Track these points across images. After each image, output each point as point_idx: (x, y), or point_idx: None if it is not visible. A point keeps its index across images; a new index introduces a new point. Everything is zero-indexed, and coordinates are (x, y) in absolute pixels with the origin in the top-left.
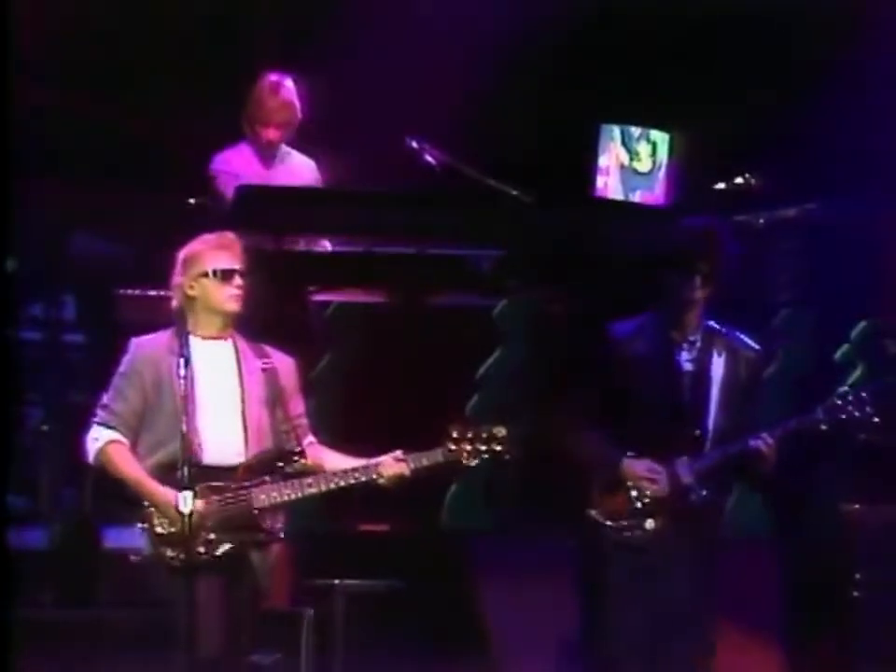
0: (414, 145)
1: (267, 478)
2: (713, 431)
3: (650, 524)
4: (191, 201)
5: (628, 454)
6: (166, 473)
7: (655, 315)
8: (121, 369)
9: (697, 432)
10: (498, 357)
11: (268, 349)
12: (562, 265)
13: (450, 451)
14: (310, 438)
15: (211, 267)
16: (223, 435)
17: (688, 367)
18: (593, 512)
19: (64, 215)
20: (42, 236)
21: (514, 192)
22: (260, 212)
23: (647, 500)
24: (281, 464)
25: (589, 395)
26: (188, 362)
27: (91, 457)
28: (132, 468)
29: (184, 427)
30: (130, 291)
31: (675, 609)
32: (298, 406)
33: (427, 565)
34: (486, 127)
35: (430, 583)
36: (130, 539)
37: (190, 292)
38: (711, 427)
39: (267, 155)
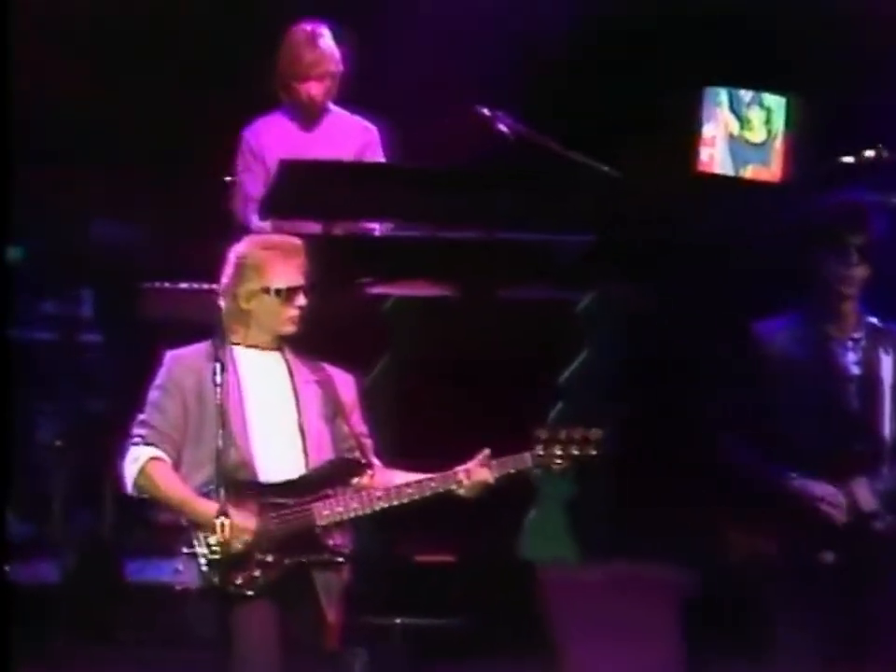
0: (485, 112)
1: (330, 491)
2: (891, 445)
3: (828, 556)
4: (227, 179)
5: (791, 474)
6: (215, 491)
7: (806, 308)
8: (157, 381)
9: (872, 447)
10: (585, 360)
11: (323, 364)
12: (660, 252)
13: (539, 455)
14: (374, 460)
15: (275, 284)
16: (279, 448)
17: (854, 370)
18: (741, 541)
19: (80, 199)
20: (56, 223)
21: (603, 168)
22: (305, 191)
23: (824, 528)
24: (346, 476)
25: (723, 406)
26: (223, 367)
27: (129, 484)
28: (175, 485)
29: (220, 441)
30: (156, 284)
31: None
32: (360, 423)
33: (499, 599)
34: (568, 94)
35: (502, 621)
36: (157, 570)
37: (245, 305)
38: (889, 441)
39: (308, 116)
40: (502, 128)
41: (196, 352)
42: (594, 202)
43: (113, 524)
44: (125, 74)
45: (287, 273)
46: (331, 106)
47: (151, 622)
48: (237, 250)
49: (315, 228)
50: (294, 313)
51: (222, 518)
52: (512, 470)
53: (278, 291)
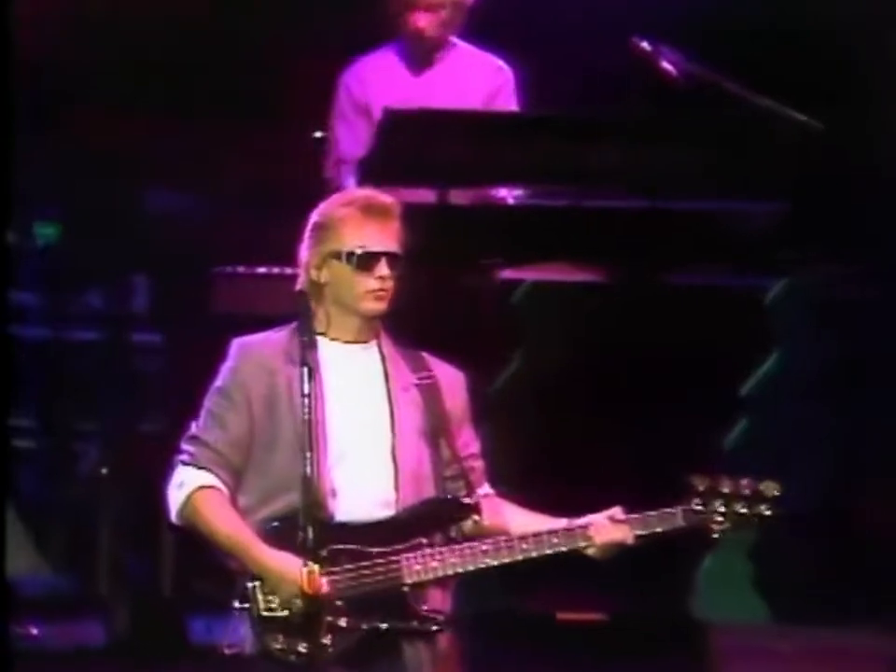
0: (647, 47)
1: (424, 540)
2: None
3: None
4: (317, 135)
5: None
6: (282, 532)
7: None
8: (218, 383)
9: None
10: (774, 364)
11: (427, 358)
12: (870, 228)
13: (694, 511)
14: (486, 488)
15: (347, 246)
16: (364, 479)
17: None
18: None
19: (132, 162)
20: (99, 192)
21: (799, 117)
22: (417, 148)
23: None
24: (445, 521)
25: None
26: (312, 373)
27: (173, 513)
28: (230, 522)
29: (308, 467)
30: (231, 270)
31: None
32: (469, 441)
33: (661, 669)
34: (753, 25)
35: None
36: (228, 630)
37: (317, 276)
38: None
39: (422, 55)
40: (667, 66)
41: (270, 345)
42: (786, 160)
43: (174, 572)
44: (184, 5)
45: (366, 233)
46: (455, 41)
47: None
48: (316, 211)
49: (428, 195)
50: (373, 285)
51: (309, 565)
52: (658, 530)
53: (350, 255)
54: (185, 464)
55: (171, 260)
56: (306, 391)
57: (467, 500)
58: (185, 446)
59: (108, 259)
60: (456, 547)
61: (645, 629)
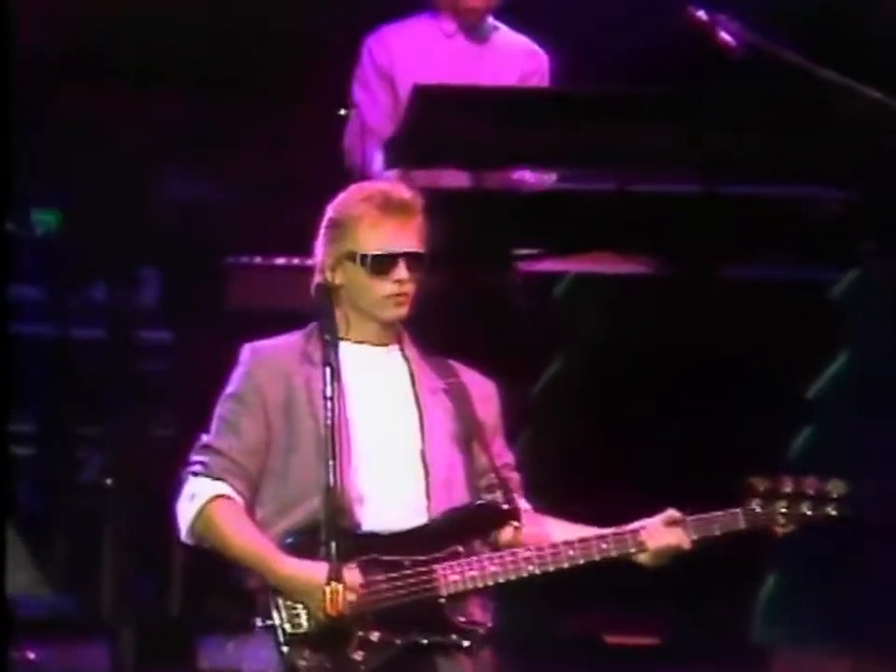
0: (703, 16)
1: (461, 548)
2: None
3: None
4: (341, 112)
5: None
6: (304, 544)
7: None
8: (231, 389)
9: None
10: (843, 365)
11: (454, 365)
12: None
13: (756, 512)
14: (523, 502)
15: (363, 247)
16: (393, 485)
17: None
18: None
19: (142, 141)
20: (104, 178)
21: (873, 94)
22: (449, 127)
23: None
24: (483, 528)
25: None
26: (335, 374)
27: (184, 529)
28: (247, 533)
29: (331, 473)
30: (246, 260)
31: None
32: (503, 450)
33: None
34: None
35: None
36: (243, 655)
37: (332, 278)
38: None
39: (462, 29)
40: (726, 36)
41: (285, 348)
42: (857, 141)
43: (184, 591)
44: None
45: (383, 233)
46: (494, 22)
47: None
48: (331, 205)
49: (461, 178)
50: (391, 289)
51: (333, 584)
52: (717, 533)
53: (364, 258)
54: (196, 475)
55: (181, 251)
56: (329, 393)
57: (506, 504)
58: (196, 457)
59: (114, 249)
60: (496, 555)
61: (700, 655)
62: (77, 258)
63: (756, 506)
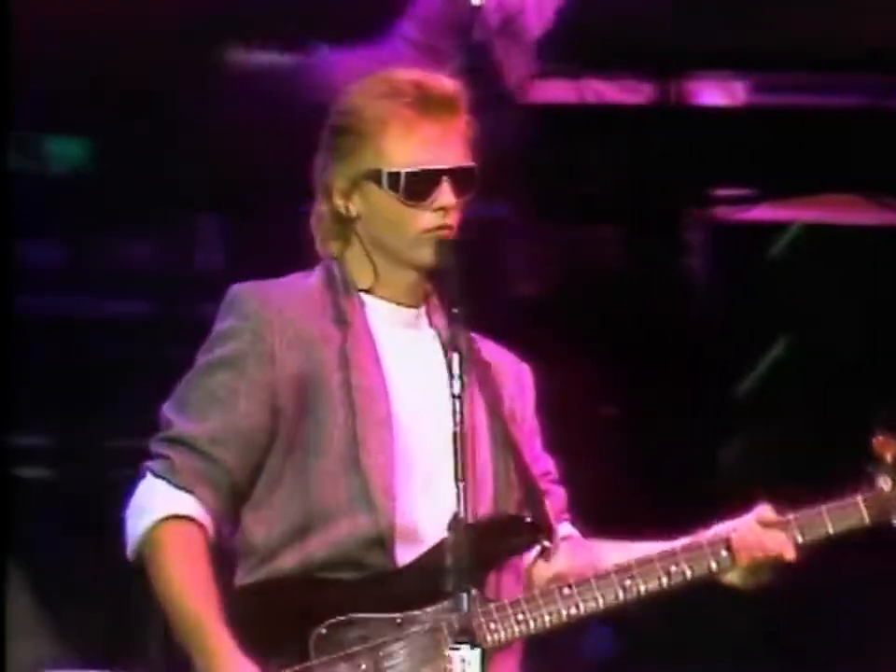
0: None
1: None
2: None
3: None
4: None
5: None
6: (337, 633)
7: None
8: (221, 350)
9: None
10: None
11: (480, 341)
12: None
13: (877, 501)
14: (567, 527)
15: (391, 163)
16: (436, 495)
17: None
18: None
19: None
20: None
21: None
22: (617, 25)
23: None
24: (503, 547)
25: None
26: (463, 362)
27: (129, 547)
28: (195, 585)
29: (461, 507)
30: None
31: None
32: (542, 456)
33: None
34: None
35: None
36: None
37: (344, 207)
38: None
39: None
40: None
41: (300, 296)
42: None
43: (165, 642)
44: None
45: (418, 143)
46: None
47: None
48: (336, 106)
49: (636, 90)
50: (431, 221)
51: None
52: (832, 529)
53: (394, 178)
54: (156, 476)
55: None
56: (457, 390)
57: (528, 518)
58: (159, 446)
59: (159, 190)
60: (522, 598)
61: None
62: (110, 202)
63: (884, 484)
